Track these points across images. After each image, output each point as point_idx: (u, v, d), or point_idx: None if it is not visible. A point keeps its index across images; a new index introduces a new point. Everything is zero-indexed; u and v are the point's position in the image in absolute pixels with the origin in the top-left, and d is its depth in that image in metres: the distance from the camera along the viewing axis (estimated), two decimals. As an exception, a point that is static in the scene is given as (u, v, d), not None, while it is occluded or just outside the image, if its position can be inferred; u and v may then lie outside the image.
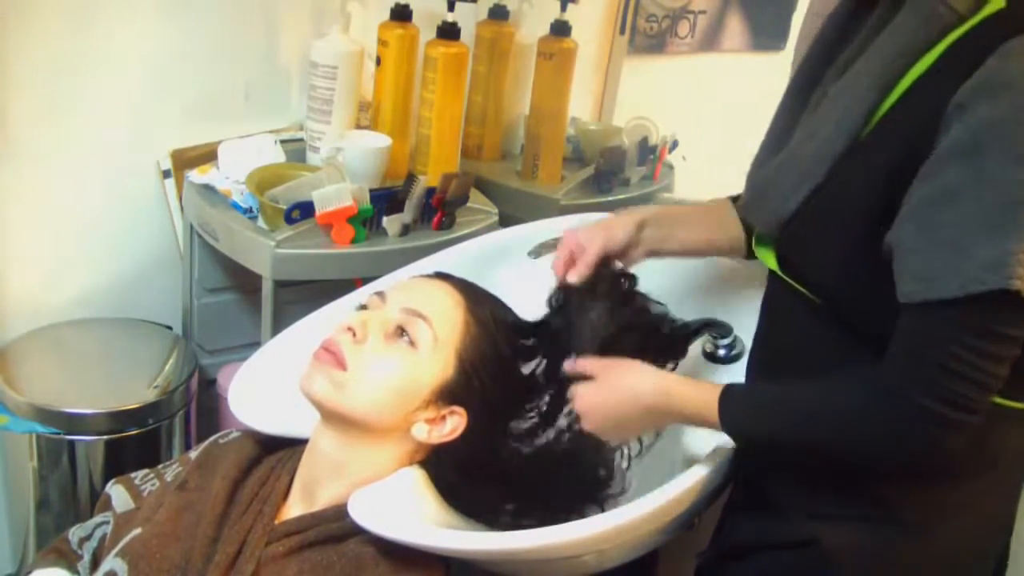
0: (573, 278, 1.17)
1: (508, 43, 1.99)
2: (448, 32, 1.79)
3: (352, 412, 1.03)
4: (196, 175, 1.72)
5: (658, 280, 1.36)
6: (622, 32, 2.34)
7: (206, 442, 1.18)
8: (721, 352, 1.31)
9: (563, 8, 1.94)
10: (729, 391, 1.00)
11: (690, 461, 1.15)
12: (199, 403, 1.77)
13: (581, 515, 1.01)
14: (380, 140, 1.76)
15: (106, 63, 1.69)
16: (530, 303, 1.19)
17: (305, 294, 1.64)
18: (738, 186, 1.14)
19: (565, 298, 1.18)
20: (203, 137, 1.81)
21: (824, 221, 0.96)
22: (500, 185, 1.95)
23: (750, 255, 1.19)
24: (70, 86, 1.67)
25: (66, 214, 1.75)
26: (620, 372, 1.08)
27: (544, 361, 1.18)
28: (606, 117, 2.39)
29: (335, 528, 1.02)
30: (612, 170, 1.97)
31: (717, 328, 1.29)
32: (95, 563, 1.10)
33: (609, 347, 1.13)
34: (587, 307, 1.16)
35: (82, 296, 1.80)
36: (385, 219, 1.62)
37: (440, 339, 1.05)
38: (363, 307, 1.10)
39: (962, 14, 0.88)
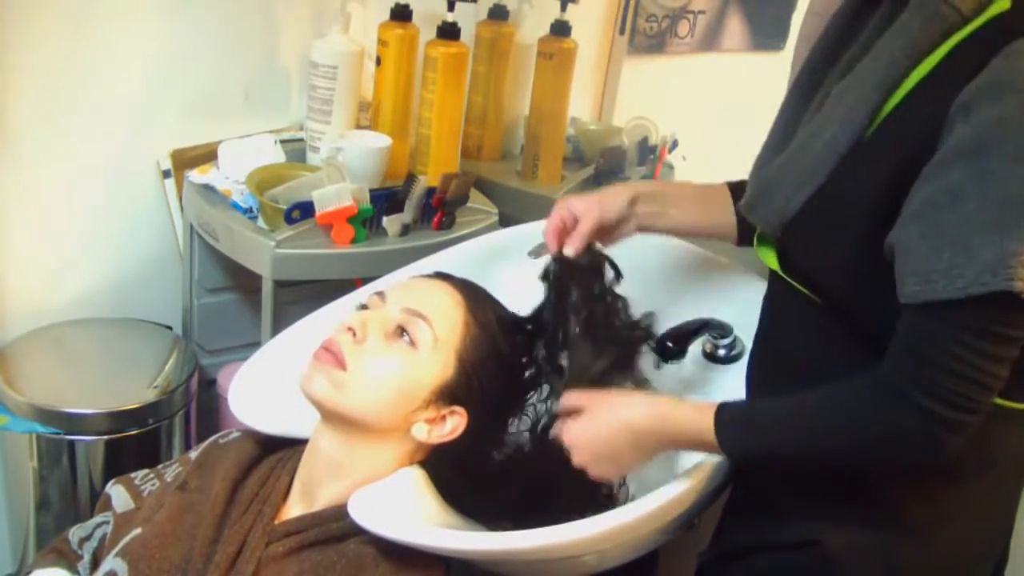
0: (569, 251, 1.16)
1: (508, 43, 1.99)
2: (448, 32, 1.79)
3: (352, 412, 1.03)
4: (196, 175, 1.72)
5: (658, 279, 1.37)
6: (622, 32, 2.34)
7: (206, 442, 1.18)
8: (721, 352, 1.31)
9: (563, 8, 1.94)
10: (723, 411, 0.98)
11: (690, 461, 1.14)
12: (199, 403, 1.77)
13: (581, 515, 1.01)
14: (380, 140, 1.77)
15: (106, 63, 1.69)
16: (530, 303, 1.19)
17: (305, 294, 1.64)
18: (738, 185, 1.14)
19: (559, 273, 1.17)
20: (203, 137, 1.81)
21: (826, 221, 0.95)
22: (500, 185, 1.96)
23: (741, 242, 1.19)
24: (70, 86, 1.67)
25: (66, 214, 1.75)
26: (610, 403, 1.05)
27: (542, 353, 1.17)
28: (606, 117, 2.39)
29: (335, 528, 1.02)
30: (612, 170, 1.97)
31: (717, 328, 1.29)
32: (95, 563, 1.10)
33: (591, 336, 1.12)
34: (570, 289, 1.15)
35: (82, 296, 1.80)
36: (385, 219, 1.62)
37: (440, 339, 1.05)
38: (363, 307, 1.10)
39: (965, 15, 0.88)
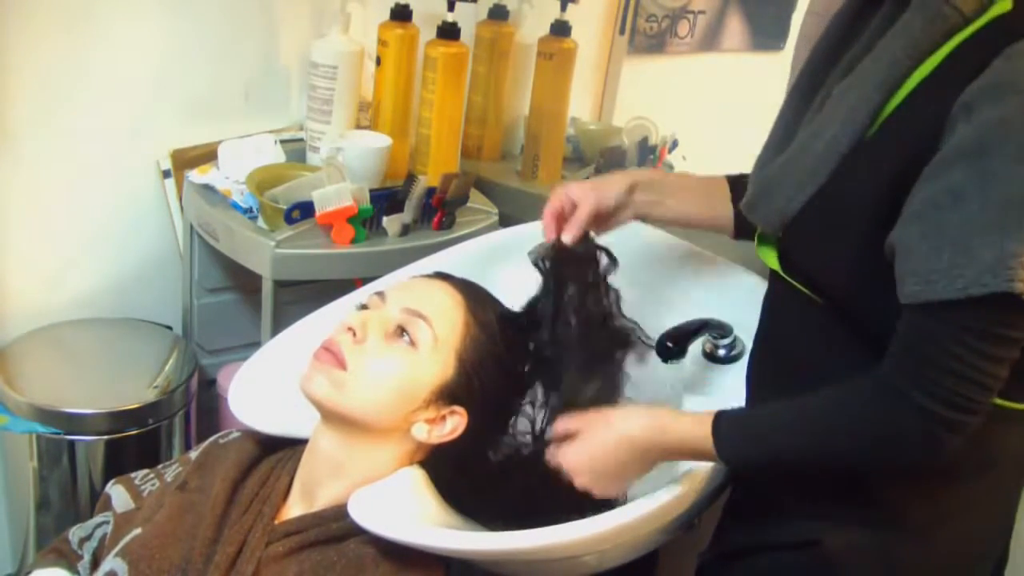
0: (567, 238, 1.16)
1: (508, 43, 1.99)
2: (448, 32, 1.79)
3: (352, 412, 1.03)
4: (196, 175, 1.72)
5: (659, 280, 1.37)
6: (622, 32, 2.34)
7: (206, 442, 1.18)
8: (721, 352, 1.31)
9: (563, 8, 1.94)
10: (720, 420, 0.98)
11: (690, 462, 1.14)
12: (199, 403, 1.77)
13: (581, 515, 1.01)
14: (380, 140, 1.77)
15: (106, 63, 1.69)
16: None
17: (305, 294, 1.64)
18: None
19: (555, 261, 1.17)
20: (203, 137, 1.81)
21: (827, 221, 0.95)
22: (500, 185, 1.95)
23: (739, 235, 1.19)
24: (70, 86, 1.67)
25: (66, 214, 1.75)
26: (607, 420, 1.04)
27: (540, 349, 1.17)
28: (606, 117, 2.39)
29: (335, 528, 1.02)
30: (612, 170, 1.97)
31: (717, 328, 1.29)
32: (95, 563, 1.10)
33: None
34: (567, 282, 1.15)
35: (82, 296, 1.80)
36: (385, 219, 1.62)
37: (440, 339, 1.05)
38: (363, 307, 1.10)
39: (967, 15, 0.88)
